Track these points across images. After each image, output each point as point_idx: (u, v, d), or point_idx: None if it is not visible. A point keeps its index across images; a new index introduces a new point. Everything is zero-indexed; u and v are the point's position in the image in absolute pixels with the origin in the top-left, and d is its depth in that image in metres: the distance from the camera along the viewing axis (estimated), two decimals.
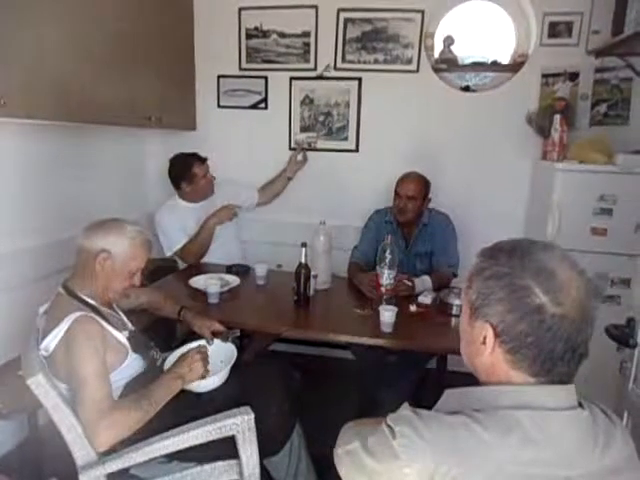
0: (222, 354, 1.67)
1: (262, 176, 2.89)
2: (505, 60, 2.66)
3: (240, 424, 1.38)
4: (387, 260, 1.90)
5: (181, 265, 2.66)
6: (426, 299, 2.04)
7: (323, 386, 2.59)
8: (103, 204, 2.52)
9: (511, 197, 2.72)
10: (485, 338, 0.76)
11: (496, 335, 0.75)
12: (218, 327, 1.73)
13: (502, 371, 0.76)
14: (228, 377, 1.56)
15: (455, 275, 2.35)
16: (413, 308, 1.93)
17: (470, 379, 0.82)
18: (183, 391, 1.45)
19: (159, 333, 1.94)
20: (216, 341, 1.71)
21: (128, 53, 2.24)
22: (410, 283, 2.09)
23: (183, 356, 1.50)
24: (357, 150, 2.84)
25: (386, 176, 2.57)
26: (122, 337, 1.48)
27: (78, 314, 1.34)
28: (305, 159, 2.84)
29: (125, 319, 1.62)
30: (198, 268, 2.48)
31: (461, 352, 0.86)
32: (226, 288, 2.10)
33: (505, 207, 2.73)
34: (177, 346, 1.72)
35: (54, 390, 1.29)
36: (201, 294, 2.04)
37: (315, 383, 2.51)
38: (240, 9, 2.78)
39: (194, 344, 1.65)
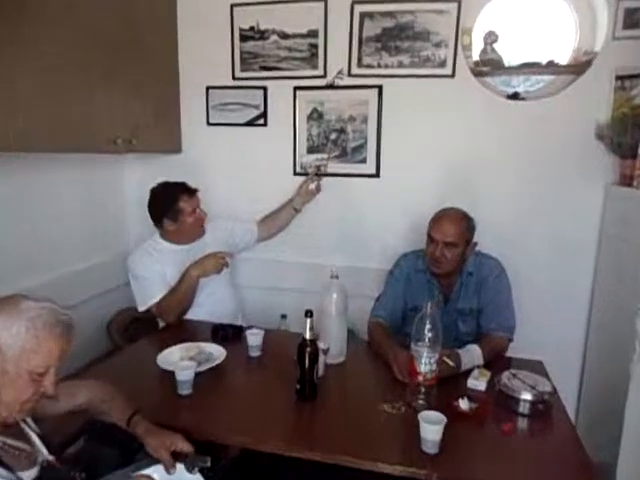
0: None
1: (261, 208, 2.46)
2: (564, 60, 2.11)
3: None
4: (427, 338, 1.34)
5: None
6: (479, 383, 1.51)
7: None
8: (69, 247, 2.24)
9: (576, 233, 2.21)
10: None
11: None
12: (182, 446, 1.18)
13: None
14: None
15: (510, 340, 1.79)
16: (464, 405, 1.35)
17: None
18: None
19: (110, 435, 1.41)
20: (179, 468, 1.17)
21: (87, 60, 1.84)
22: (453, 364, 1.53)
23: None
24: (378, 175, 2.39)
25: (414, 207, 2.24)
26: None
27: None
28: (319, 189, 2.36)
29: (38, 443, 1.07)
30: (179, 328, 2.00)
31: None
32: (205, 367, 1.56)
33: (568, 246, 2.23)
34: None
35: None
36: (171, 376, 1.50)
37: None
38: (232, 5, 2.37)
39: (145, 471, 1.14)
